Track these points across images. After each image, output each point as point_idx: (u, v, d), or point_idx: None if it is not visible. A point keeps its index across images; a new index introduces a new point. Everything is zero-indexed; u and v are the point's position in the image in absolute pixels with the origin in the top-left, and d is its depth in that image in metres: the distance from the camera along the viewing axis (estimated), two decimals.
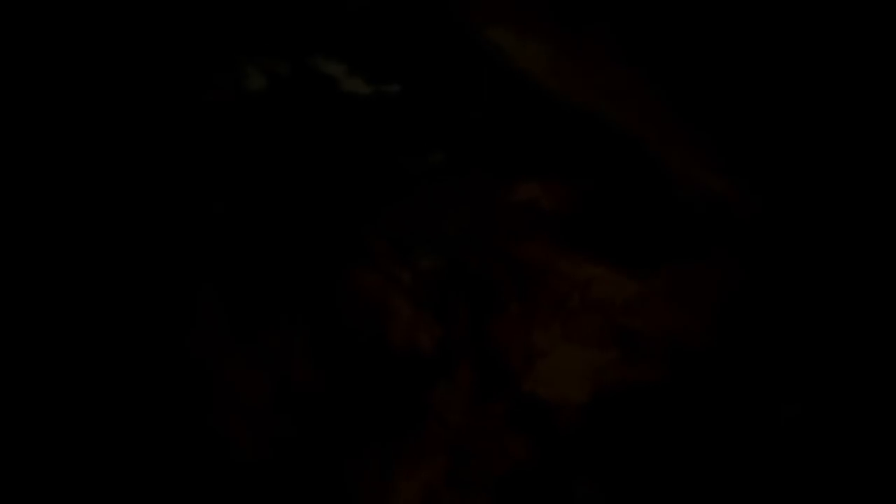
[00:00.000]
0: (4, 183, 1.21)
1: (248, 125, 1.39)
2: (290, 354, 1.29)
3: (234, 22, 1.45)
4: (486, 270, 1.34)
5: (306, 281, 1.33)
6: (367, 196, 1.42)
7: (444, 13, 1.50)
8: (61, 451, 1.20)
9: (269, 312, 1.30)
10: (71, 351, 1.23)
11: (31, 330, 1.21)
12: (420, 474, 1.25)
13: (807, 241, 1.35)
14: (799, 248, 1.35)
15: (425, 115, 1.49)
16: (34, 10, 1.21)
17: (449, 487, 1.25)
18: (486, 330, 1.33)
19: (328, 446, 1.25)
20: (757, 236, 1.35)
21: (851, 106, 1.39)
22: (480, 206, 1.37)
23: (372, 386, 1.30)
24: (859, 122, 1.39)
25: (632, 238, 1.34)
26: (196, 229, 1.32)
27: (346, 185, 1.42)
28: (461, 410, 1.30)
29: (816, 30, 1.38)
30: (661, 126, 1.32)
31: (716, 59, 1.38)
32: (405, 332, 1.34)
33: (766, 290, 1.33)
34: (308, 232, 1.37)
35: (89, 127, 1.26)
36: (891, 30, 1.40)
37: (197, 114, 1.37)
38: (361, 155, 1.45)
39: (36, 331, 1.21)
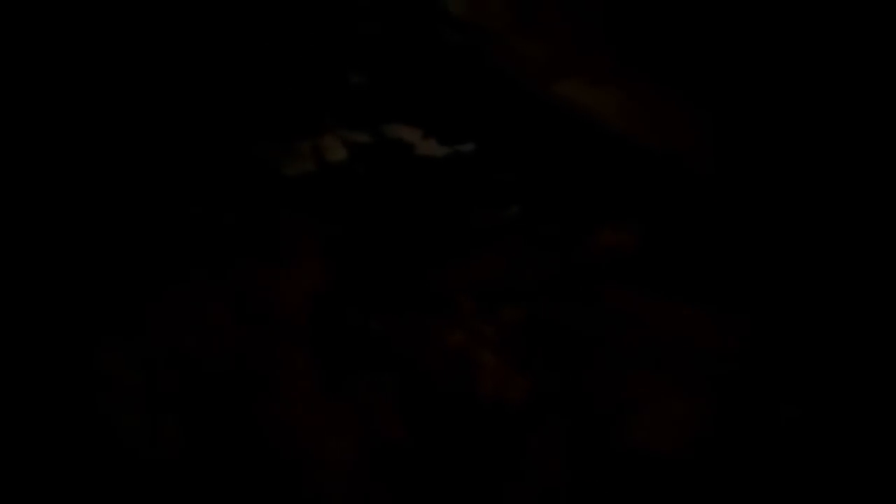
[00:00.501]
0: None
1: (330, 194, 1.43)
2: (379, 411, 1.29)
3: (317, 99, 1.50)
4: (572, 319, 1.34)
5: (391, 336, 1.35)
6: (448, 251, 1.44)
7: (512, 75, 1.54)
8: None
9: (354, 368, 1.31)
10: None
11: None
12: None
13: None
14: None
15: (499, 171, 1.51)
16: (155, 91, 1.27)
17: None
18: (576, 380, 1.32)
19: None
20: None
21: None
22: (560, 256, 1.38)
23: (462, 440, 1.29)
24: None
25: (713, 275, 1.33)
26: (281, 289, 1.35)
27: (428, 242, 1.45)
28: (555, 463, 1.28)
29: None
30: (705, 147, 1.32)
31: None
32: (493, 386, 1.33)
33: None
34: (392, 288, 1.38)
35: (178, 201, 1.31)
36: None
37: (282, 186, 1.42)
38: (441, 212, 1.47)
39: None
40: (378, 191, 1.47)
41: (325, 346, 1.34)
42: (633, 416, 1.33)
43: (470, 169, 1.51)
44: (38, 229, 1.26)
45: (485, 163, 1.52)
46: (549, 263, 1.38)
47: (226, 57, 1.45)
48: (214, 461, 1.28)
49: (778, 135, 1.37)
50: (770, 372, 1.31)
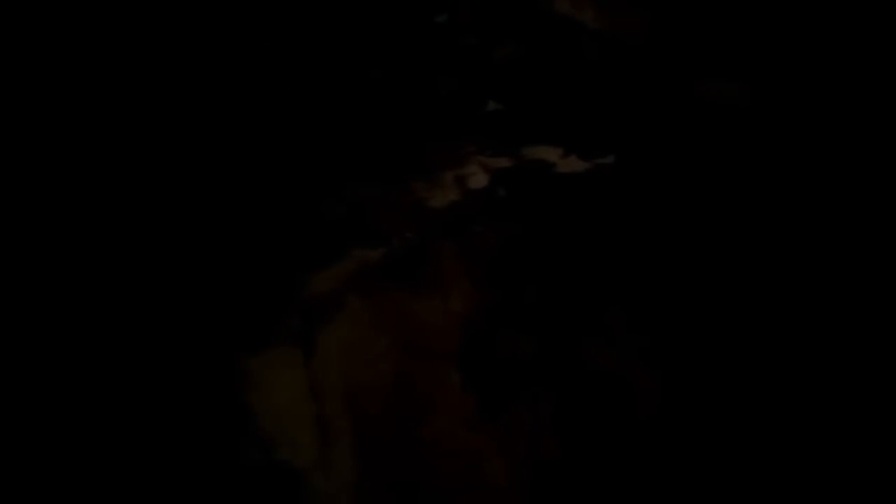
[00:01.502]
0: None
1: (475, 220, 1.47)
2: (534, 432, 1.32)
3: (457, 130, 1.55)
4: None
5: (544, 358, 1.37)
6: (598, 270, 1.45)
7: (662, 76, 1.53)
8: None
9: (508, 391, 1.35)
10: None
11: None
12: None
13: None
14: None
15: (643, 183, 1.51)
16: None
17: None
18: None
19: None
20: None
21: None
22: None
23: (621, 459, 1.30)
24: None
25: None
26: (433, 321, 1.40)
27: (572, 259, 1.46)
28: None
29: None
30: None
31: None
32: (650, 404, 1.33)
33: None
34: (543, 310, 1.41)
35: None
36: None
37: (428, 217, 1.47)
38: (587, 230, 1.48)
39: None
40: (520, 212, 1.49)
41: (479, 370, 1.39)
42: None
43: (611, 180, 1.52)
44: (212, 251, 1.36)
45: (628, 173, 1.52)
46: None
47: (366, 100, 1.52)
48: (384, 487, 1.35)
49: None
50: None
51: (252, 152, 1.47)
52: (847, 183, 1.44)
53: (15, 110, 1.40)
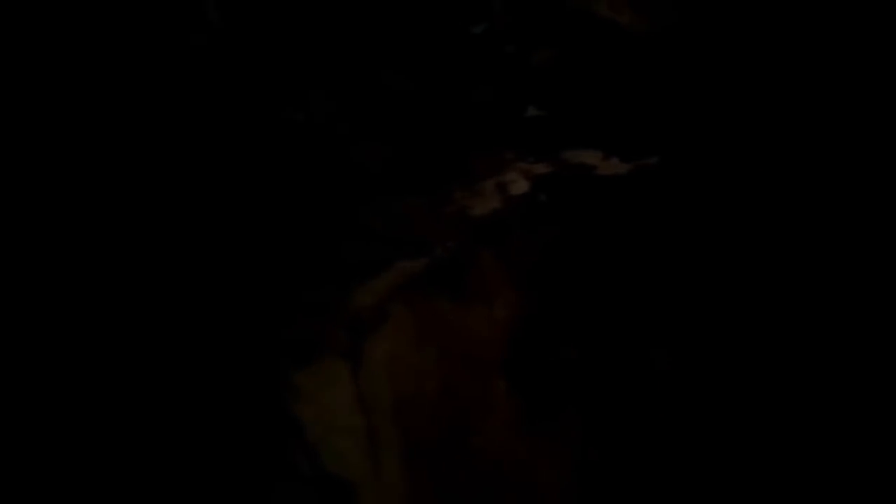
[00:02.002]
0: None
1: (516, 227, 1.47)
2: (585, 438, 1.32)
3: (497, 137, 1.55)
4: None
5: (590, 363, 1.37)
6: (642, 273, 1.44)
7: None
8: None
9: (552, 398, 1.34)
10: None
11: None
12: None
13: None
14: None
15: (688, 184, 1.49)
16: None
17: None
18: None
19: None
20: None
21: None
22: None
23: (669, 465, 1.29)
24: None
25: None
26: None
27: (621, 265, 1.45)
28: None
29: None
30: None
31: None
32: (698, 410, 1.32)
33: None
34: (585, 315, 1.41)
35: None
36: None
37: (470, 225, 1.48)
38: (630, 234, 1.47)
39: None
40: (562, 217, 1.49)
41: (525, 377, 1.39)
42: None
43: (654, 181, 1.50)
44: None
45: (670, 174, 1.51)
46: None
47: (405, 112, 1.53)
48: (435, 498, 1.36)
49: None
50: None
51: (296, 166, 1.49)
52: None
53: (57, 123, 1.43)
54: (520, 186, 1.51)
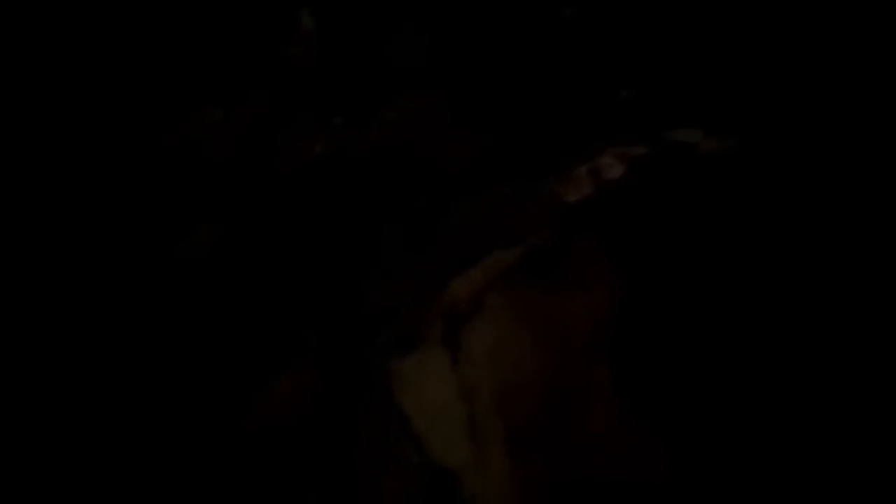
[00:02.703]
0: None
1: (610, 212, 1.46)
2: (692, 426, 1.30)
3: (590, 122, 1.54)
4: None
5: (692, 348, 1.35)
6: (745, 255, 1.40)
7: None
8: None
9: (653, 386, 1.33)
10: None
11: None
12: None
13: None
14: None
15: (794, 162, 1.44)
16: None
17: None
18: None
19: None
20: None
21: None
22: None
23: (777, 453, 1.26)
24: None
25: None
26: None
27: (723, 248, 1.42)
28: None
29: None
30: None
31: None
32: (800, 395, 1.28)
33: None
34: (683, 301, 1.38)
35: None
36: None
37: (563, 212, 1.47)
38: (731, 214, 1.44)
39: None
40: (659, 200, 1.46)
41: (626, 366, 1.37)
42: None
43: (758, 159, 1.46)
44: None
45: (776, 151, 1.46)
46: None
47: (495, 100, 1.53)
48: (539, 486, 1.36)
49: None
50: None
51: (389, 162, 1.51)
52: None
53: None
54: (614, 170, 1.49)
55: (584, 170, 1.48)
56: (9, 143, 1.46)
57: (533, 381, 1.40)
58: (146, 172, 1.50)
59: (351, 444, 1.41)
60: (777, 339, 1.33)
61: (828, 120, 1.44)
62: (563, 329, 1.42)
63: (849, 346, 1.31)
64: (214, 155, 1.53)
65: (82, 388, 1.37)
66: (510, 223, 1.46)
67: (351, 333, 1.44)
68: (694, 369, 1.36)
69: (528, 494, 1.36)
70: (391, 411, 1.41)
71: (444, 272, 1.45)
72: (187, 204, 1.51)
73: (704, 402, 1.34)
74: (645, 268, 1.42)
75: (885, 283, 1.32)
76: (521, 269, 1.44)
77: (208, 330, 1.44)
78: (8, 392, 1.31)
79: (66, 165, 1.46)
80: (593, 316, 1.41)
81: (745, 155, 1.45)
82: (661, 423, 1.34)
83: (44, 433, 1.31)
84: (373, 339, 1.44)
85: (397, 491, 1.39)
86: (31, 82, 1.49)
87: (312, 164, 1.50)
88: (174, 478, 1.34)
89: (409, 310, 1.44)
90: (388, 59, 1.51)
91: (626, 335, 1.39)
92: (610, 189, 1.47)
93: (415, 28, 1.53)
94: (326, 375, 1.44)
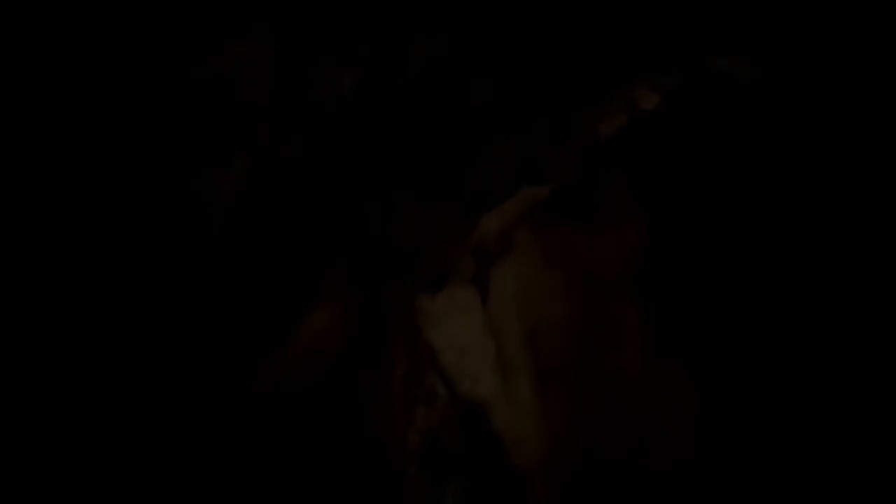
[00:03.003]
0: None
1: (644, 145, 1.42)
2: (708, 367, 1.30)
3: (625, 52, 1.48)
4: None
5: (725, 288, 1.33)
6: (786, 192, 1.36)
7: None
8: None
9: (683, 325, 1.32)
10: None
11: None
12: None
13: None
14: None
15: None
16: None
17: None
18: None
19: None
20: None
21: None
22: None
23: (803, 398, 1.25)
24: None
25: None
26: None
27: (761, 182, 1.38)
28: None
29: None
30: None
31: None
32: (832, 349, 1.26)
33: None
34: (722, 239, 1.36)
35: None
36: None
37: (595, 146, 1.44)
38: (770, 148, 1.39)
39: None
40: (696, 132, 1.42)
41: (655, 304, 1.36)
42: None
43: (801, 89, 1.40)
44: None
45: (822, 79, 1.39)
46: None
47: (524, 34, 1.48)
48: (568, 419, 1.38)
49: None
50: None
51: (418, 103, 1.48)
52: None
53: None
54: (650, 100, 1.44)
55: (618, 100, 1.44)
56: (37, 75, 1.47)
57: (561, 318, 1.40)
58: (177, 106, 1.50)
59: (385, 377, 1.44)
60: (809, 273, 1.30)
61: (865, 50, 1.36)
62: (591, 266, 1.41)
63: (880, 284, 1.28)
64: (243, 88, 1.52)
65: (117, 320, 1.40)
66: (541, 158, 1.44)
67: (381, 268, 1.45)
68: (723, 305, 1.34)
69: (556, 425, 1.37)
70: (421, 346, 1.43)
71: (473, 209, 1.44)
72: (220, 137, 1.51)
73: (734, 339, 1.32)
74: (676, 202, 1.39)
75: None
76: (550, 205, 1.42)
77: (241, 263, 1.46)
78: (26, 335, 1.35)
79: (92, 101, 1.46)
80: (622, 252, 1.40)
81: (782, 83, 1.39)
82: (690, 360, 1.33)
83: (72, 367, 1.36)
84: (402, 274, 1.44)
85: (430, 421, 1.42)
86: (57, 14, 1.48)
87: (342, 98, 1.48)
88: (215, 413, 1.38)
89: (439, 247, 1.44)
90: None
91: (655, 271, 1.37)
92: (644, 120, 1.42)
93: None
94: (358, 309, 1.46)
